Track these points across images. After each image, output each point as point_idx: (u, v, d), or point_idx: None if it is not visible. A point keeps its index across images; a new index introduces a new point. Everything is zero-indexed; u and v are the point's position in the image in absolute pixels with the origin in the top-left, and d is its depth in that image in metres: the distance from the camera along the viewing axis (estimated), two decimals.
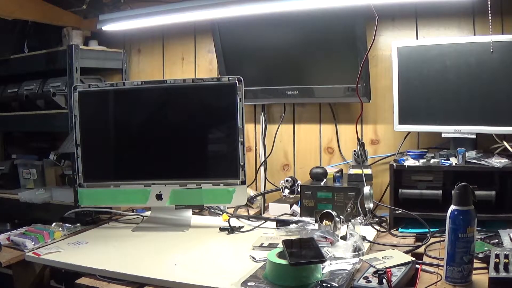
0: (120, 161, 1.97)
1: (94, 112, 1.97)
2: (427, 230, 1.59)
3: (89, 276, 1.44)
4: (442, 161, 1.72)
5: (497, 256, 1.22)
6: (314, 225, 1.71)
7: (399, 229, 1.71)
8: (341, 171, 2.00)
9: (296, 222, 1.77)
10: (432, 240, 1.54)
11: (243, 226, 1.84)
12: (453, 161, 1.70)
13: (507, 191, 1.66)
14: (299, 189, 1.94)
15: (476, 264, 1.27)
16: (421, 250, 1.49)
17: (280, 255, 1.32)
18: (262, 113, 2.32)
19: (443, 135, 1.84)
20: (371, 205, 1.74)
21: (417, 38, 2.01)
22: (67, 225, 1.86)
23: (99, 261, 1.49)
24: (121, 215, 2.08)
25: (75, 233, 1.83)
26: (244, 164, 1.84)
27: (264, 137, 2.33)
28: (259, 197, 2.19)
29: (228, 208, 2.05)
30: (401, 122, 1.91)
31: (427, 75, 1.83)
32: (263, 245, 1.58)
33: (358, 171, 1.88)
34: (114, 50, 2.56)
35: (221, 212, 2.02)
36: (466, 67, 1.76)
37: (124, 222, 2.01)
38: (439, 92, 1.82)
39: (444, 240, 1.26)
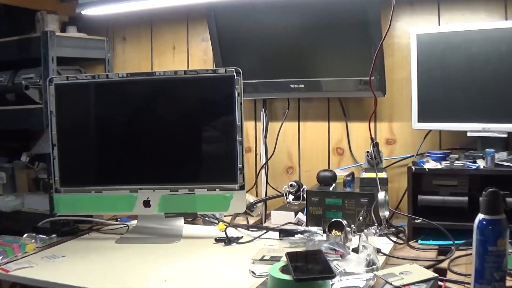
0: (103, 163, 1.97)
1: (73, 107, 1.96)
2: (451, 242, 1.59)
3: None
4: (468, 163, 1.72)
5: None
6: (322, 235, 1.71)
7: (419, 240, 1.71)
8: (352, 174, 2.00)
9: (302, 232, 1.77)
10: (457, 253, 1.54)
11: (242, 237, 1.84)
12: (481, 163, 1.69)
13: None
14: (304, 195, 1.95)
15: (509, 282, 1.26)
16: (444, 265, 1.49)
17: (284, 269, 1.30)
18: (263, 109, 2.32)
19: (468, 133, 1.84)
20: (387, 213, 1.74)
21: (439, 24, 2.00)
22: (41, 236, 1.85)
23: (78, 278, 1.48)
24: (104, 225, 2.07)
25: (50, 245, 1.83)
26: (242, 166, 1.84)
27: (265, 136, 2.34)
28: (259, 204, 2.19)
29: (224, 216, 2.05)
30: (421, 119, 1.91)
31: (450, 65, 1.83)
32: (264, 258, 1.58)
33: (371, 175, 1.88)
34: (96, 38, 2.55)
35: (217, 221, 2.02)
36: (496, 56, 1.75)
37: (106, 232, 2.01)
38: (464, 85, 1.82)
39: (471, 254, 1.26)
